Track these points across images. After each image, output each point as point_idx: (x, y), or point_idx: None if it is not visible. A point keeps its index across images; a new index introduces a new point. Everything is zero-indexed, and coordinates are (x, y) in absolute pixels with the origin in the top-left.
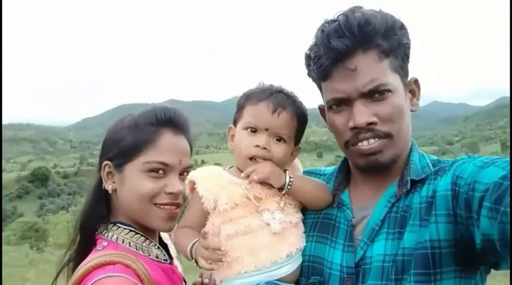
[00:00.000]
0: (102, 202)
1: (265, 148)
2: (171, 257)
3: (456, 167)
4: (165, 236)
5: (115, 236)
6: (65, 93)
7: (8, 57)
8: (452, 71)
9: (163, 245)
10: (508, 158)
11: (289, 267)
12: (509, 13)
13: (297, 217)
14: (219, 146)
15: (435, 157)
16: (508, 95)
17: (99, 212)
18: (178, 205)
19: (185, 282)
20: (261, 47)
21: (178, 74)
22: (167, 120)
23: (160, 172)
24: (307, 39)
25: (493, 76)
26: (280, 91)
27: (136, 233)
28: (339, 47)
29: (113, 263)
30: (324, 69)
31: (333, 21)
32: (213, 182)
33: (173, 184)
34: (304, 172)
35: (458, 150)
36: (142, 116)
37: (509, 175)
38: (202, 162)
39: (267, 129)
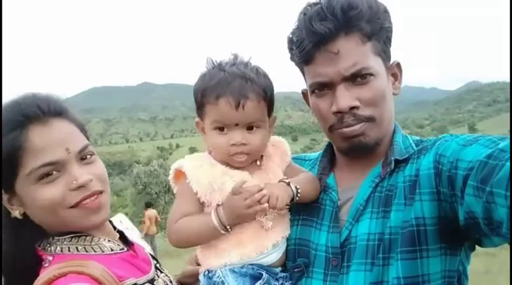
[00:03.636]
0: (24, 227)
1: (243, 144)
2: (129, 243)
3: (438, 145)
4: (117, 221)
5: (58, 248)
6: (36, 75)
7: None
8: (425, 56)
9: (119, 232)
10: (491, 136)
11: (275, 256)
12: (509, 13)
13: (286, 206)
14: (195, 130)
15: (418, 138)
16: (477, 80)
17: (26, 238)
18: (96, 193)
19: (155, 259)
20: (237, 26)
21: (152, 56)
22: (24, 116)
23: (54, 172)
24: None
25: (463, 61)
26: (235, 75)
27: (80, 236)
28: (321, 30)
29: (64, 275)
30: (306, 53)
31: (315, 4)
32: (205, 176)
33: (75, 176)
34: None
35: (428, 133)
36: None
37: (494, 154)
38: (177, 146)
39: (237, 124)
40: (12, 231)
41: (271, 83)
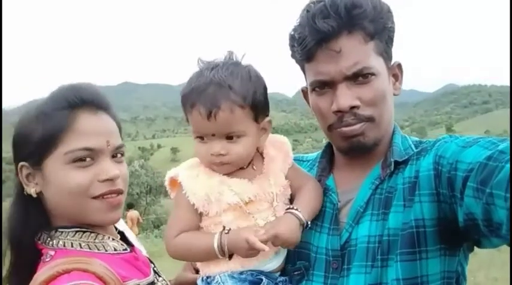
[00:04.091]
0: (34, 209)
1: (221, 154)
2: (130, 244)
3: (438, 146)
4: (120, 222)
5: (61, 242)
6: (9, 73)
7: None
8: (404, 58)
9: (120, 233)
10: (491, 138)
11: (276, 263)
12: (509, 13)
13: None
14: (176, 130)
15: (417, 139)
16: (454, 82)
17: (33, 221)
18: (119, 192)
19: (152, 262)
20: (221, 26)
21: (133, 56)
22: (79, 99)
23: (88, 159)
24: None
25: (440, 63)
26: (210, 82)
27: (85, 232)
28: (324, 28)
29: (68, 272)
30: (308, 51)
31: (319, 1)
32: (201, 187)
33: (106, 169)
34: None
35: (407, 134)
36: (49, 102)
37: (494, 156)
38: (159, 146)
39: (213, 134)
40: (22, 204)
41: (259, 86)
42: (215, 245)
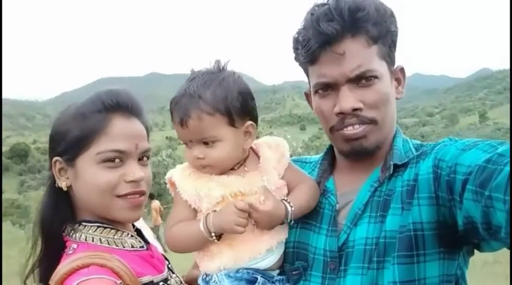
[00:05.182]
0: (63, 201)
1: (199, 158)
2: (147, 241)
3: (438, 150)
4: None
5: (83, 236)
6: (42, 67)
7: None
8: (435, 43)
9: (137, 230)
10: (490, 141)
11: (270, 260)
12: (509, 7)
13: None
14: None
15: (418, 142)
16: (488, 67)
17: (62, 212)
18: (142, 193)
19: (167, 259)
20: (246, 15)
21: (159, 46)
22: (115, 104)
23: (117, 160)
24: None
25: (473, 48)
26: (184, 93)
27: (106, 228)
28: (328, 31)
29: (87, 266)
30: (312, 53)
31: (323, 4)
32: (191, 185)
33: (132, 171)
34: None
35: (438, 122)
36: (87, 104)
37: (493, 159)
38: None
39: (191, 141)
40: (53, 196)
41: (233, 92)
42: (201, 225)
